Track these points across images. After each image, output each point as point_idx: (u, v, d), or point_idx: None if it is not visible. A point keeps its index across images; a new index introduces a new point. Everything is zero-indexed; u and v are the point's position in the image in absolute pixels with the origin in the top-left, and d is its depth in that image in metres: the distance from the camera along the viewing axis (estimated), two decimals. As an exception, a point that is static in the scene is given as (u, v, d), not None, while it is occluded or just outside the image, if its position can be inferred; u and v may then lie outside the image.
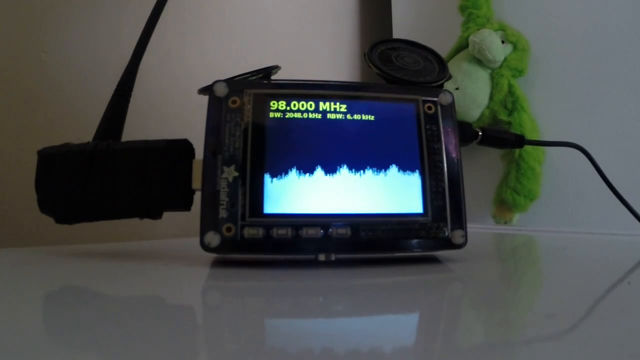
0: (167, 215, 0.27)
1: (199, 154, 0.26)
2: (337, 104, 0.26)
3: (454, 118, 0.27)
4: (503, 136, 0.32)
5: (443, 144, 0.26)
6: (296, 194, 0.24)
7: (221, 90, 0.25)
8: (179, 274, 0.24)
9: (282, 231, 0.24)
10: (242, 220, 0.24)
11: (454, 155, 0.26)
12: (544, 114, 0.62)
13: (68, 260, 0.28)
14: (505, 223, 0.62)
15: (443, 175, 0.26)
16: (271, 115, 0.25)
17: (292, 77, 0.27)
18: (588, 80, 0.59)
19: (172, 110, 0.54)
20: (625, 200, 0.38)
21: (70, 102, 0.46)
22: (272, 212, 0.24)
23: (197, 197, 0.25)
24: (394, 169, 0.26)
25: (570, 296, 0.20)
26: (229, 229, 0.24)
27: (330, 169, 0.25)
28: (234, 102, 0.25)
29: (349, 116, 0.26)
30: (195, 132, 0.26)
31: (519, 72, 0.62)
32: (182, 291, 0.21)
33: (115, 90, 0.30)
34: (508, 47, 0.62)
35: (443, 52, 0.33)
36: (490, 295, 0.21)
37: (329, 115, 0.26)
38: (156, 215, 0.26)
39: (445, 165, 0.26)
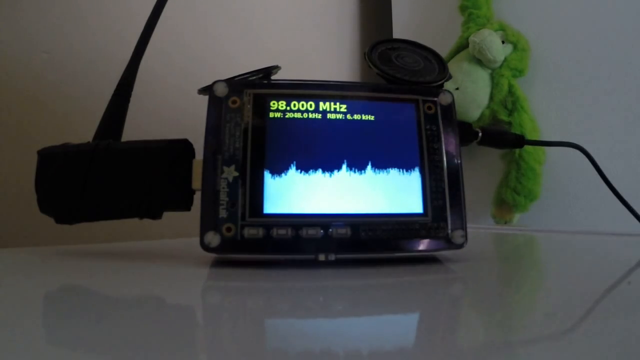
0: (167, 215, 0.27)
1: (199, 154, 0.26)
2: (337, 104, 0.26)
3: (454, 118, 0.27)
4: (503, 136, 0.32)
5: (443, 144, 0.26)
6: (296, 193, 0.24)
7: (221, 90, 0.25)
8: (179, 274, 0.24)
9: (282, 231, 0.24)
10: (242, 220, 0.24)
11: (454, 155, 0.26)
12: (544, 114, 0.62)
13: (68, 260, 0.28)
14: (505, 223, 0.62)
15: (443, 175, 0.26)
16: (271, 115, 0.25)
17: (292, 77, 0.27)
18: (588, 80, 0.59)
19: (172, 110, 0.54)
20: (625, 200, 0.38)
21: (70, 102, 0.46)
22: (272, 212, 0.24)
23: (197, 197, 0.25)
24: (394, 169, 0.26)
25: (570, 296, 0.20)
26: (229, 229, 0.24)
27: (330, 169, 0.25)
28: (234, 102, 0.25)
29: (349, 116, 0.26)
30: (195, 132, 0.26)
31: (519, 72, 0.62)
32: (182, 291, 0.21)
33: (115, 90, 0.30)
34: (508, 47, 0.62)
35: (443, 52, 0.33)
36: (490, 295, 0.21)
37: (329, 115, 0.26)
38: (156, 215, 0.26)
39: (445, 165, 0.26)
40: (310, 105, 0.26)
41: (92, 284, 0.22)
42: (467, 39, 0.63)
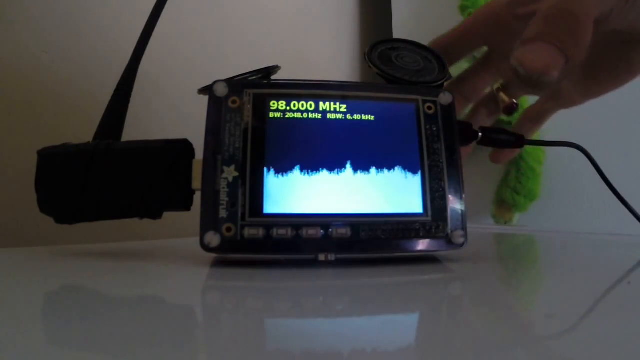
0: (167, 215, 0.27)
1: (199, 154, 0.26)
2: (337, 104, 0.26)
3: (454, 118, 0.27)
4: (503, 136, 0.32)
5: (443, 144, 0.26)
6: (296, 194, 0.24)
7: (221, 90, 0.25)
8: (179, 274, 0.24)
9: (282, 231, 0.24)
10: (242, 220, 0.24)
11: (454, 155, 0.26)
12: (544, 114, 0.62)
13: (68, 260, 0.28)
14: (505, 223, 0.62)
15: (443, 175, 0.26)
16: (271, 115, 0.25)
17: (292, 77, 0.27)
18: (588, 80, 0.59)
19: (172, 110, 0.54)
20: (625, 200, 0.38)
21: (70, 102, 0.46)
22: (272, 212, 0.24)
23: (197, 197, 0.25)
24: (394, 169, 0.26)
25: (570, 296, 0.20)
26: (229, 229, 0.24)
27: (330, 169, 0.25)
28: (234, 102, 0.25)
29: (349, 116, 0.26)
30: (195, 132, 0.26)
31: (519, 72, 0.62)
32: (182, 291, 0.21)
33: (115, 90, 0.30)
34: (508, 47, 0.62)
35: (443, 52, 0.33)
36: (490, 295, 0.21)
37: (329, 115, 0.26)
38: (156, 215, 0.26)
39: (445, 165, 0.26)
40: (310, 105, 0.26)
41: (92, 284, 0.22)
42: (467, 39, 0.63)
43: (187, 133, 0.28)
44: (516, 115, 0.60)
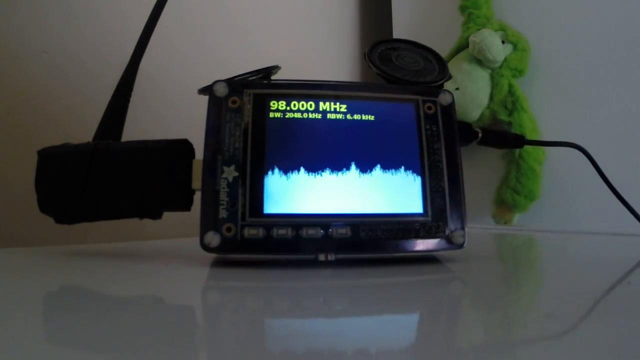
0: (167, 215, 0.27)
1: (199, 154, 0.26)
2: (337, 104, 0.26)
3: (454, 118, 0.27)
4: (503, 136, 0.32)
5: (443, 144, 0.26)
6: (296, 193, 0.24)
7: (221, 90, 0.25)
8: (179, 274, 0.24)
9: (282, 231, 0.24)
10: (242, 220, 0.24)
11: (454, 155, 0.26)
12: (544, 114, 0.62)
13: (68, 260, 0.28)
14: (505, 223, 0.62)
15: (443, 175, 0.26)
16: (271, 115, 0.25)
17: (292, 77, 0.27)
18: (588, 80, 0.59)
19: (172, 110, 0.54)
20: (625, 200, 0.38)
21: (70, 102, 0.46)
22: (272, 212, 0.24)
23: (197, 197, 0.25)
24: (394, 169, 0.26)
25: (570, 296, 0.20)
26: (229, 229, 0.24)
27: (330, 169, 0.25)
28: (234, 102, 0.25)
29: (349, 116, 0.26)
30: (195, 132, 0.26)
31: (519, 72, 0.62)
32: (182, 291, 0.21)
33: (115, 90, 0.30)
34: (508, 47, 0.62)
35: (443, 52, 0.33)
36: (490, 295, 0.21)
37: (329, 115, 0.26)
38: (156, 215, 0.26)
39: (445, 165, 0.26)
40: (310, 105, 0.26)
41: (92, 284, 0.22)
42: (467, 39, 0.63)
43: (187, 133, 0.28)
44: (516, 115, 0.61)
